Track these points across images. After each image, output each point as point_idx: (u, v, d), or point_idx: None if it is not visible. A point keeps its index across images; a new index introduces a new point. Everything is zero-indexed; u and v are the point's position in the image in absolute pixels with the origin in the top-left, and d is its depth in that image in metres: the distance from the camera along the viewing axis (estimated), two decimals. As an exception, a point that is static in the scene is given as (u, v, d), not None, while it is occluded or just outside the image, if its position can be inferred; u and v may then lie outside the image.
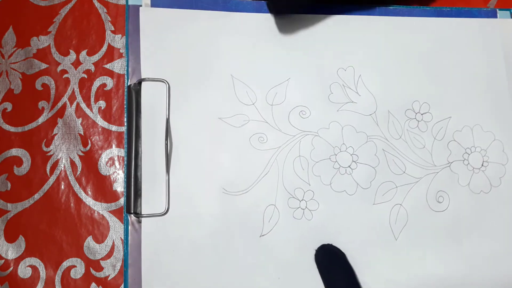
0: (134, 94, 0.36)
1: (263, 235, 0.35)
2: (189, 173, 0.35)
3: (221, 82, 0.37)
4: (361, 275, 0.36)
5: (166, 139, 0.35)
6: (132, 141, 0.35)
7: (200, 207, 0.35)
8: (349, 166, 0.37)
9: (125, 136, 0.36)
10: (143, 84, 0.36)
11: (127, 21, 0.37)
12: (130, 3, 0.38)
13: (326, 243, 0.36)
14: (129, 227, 0.35)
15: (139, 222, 0.35)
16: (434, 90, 0.40)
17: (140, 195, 0.35)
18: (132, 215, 0.35)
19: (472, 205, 0.38)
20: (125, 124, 0.36)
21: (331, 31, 0.39)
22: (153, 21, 0.37)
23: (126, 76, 0.37)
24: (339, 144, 0.38)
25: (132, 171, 0.35)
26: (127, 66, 0.37)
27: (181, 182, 0.35)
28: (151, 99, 0.36)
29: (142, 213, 0.34)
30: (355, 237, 0.36)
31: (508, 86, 0.41)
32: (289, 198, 0.36)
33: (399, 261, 0.36)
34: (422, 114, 0.39)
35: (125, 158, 0.36)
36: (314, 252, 0.35)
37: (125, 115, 0.36)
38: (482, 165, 0.39)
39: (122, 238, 0.37)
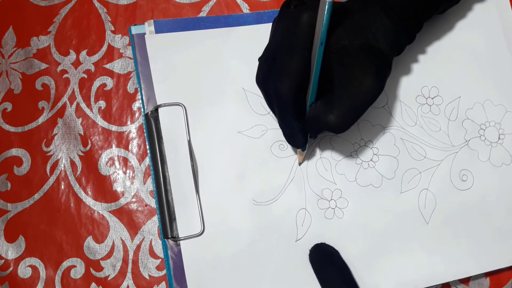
0: (152, 121, 0.37)
1: (298, 239, 0.36)
2: (218, 190, 0.36)
3: (234, 96, 0.38)
4: (397, 263, 0.36)
5: (191, 160, 0.36)
6: (158, 168, 0.36)
7: (234, 222, 0.36)
8: (371, 160, 0.38)
9: (150, 164, 0.36)
10: (160, 110, 0.37)
11: (134, 50, 0.38)
12: (133, 32, 0.38)
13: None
14: (169, 252, 0.35)
15: (178, 245, 0.35)
16: (440, 73, 0.40)
17: (174, 219, 0.35)
18: (170, 240, 0.35)
19: (496, 178, 0.39)
20: (148, 152, 0.37)
21: None
22: (160, 47, 0.38)
23: (142, 105, 0.37)
24: (358, 140, 0.38)
25: (163, 197, 0.36)
26: (141, 94, 0.37)
27: (212, 200, 0.36)
28: (170, 124, 0.37)
29: (179, 236, 0.35)
30: (388, 228, 0.37)
31: (511, 57, 0.41)
32: (318, 199, 0.37)
33: (433, 244, 0.37)
34: (432, 98, 0.40)
35: (154, 185, 0.36)
36: (349, 249, 0.36)
37: (147, 143, 0.37)
38: (499, 138, 0.40)
39: (122, 238, 0.37)
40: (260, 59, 0.33)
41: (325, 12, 0.27)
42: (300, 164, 0.37)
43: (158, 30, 0.38)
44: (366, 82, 0.30)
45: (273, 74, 0.30)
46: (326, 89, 0.31)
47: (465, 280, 0.38)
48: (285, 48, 0.30)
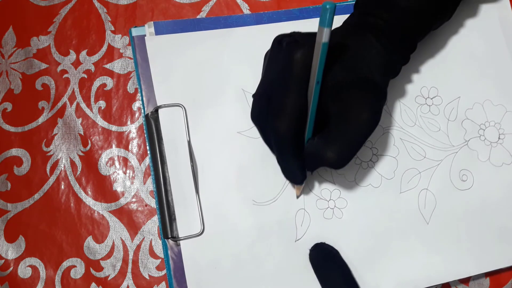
0: (153, 122, 0.37)
1: (298, 240, 0.36)
2: (218, 190, 0.36)
3: (233, 97, 0.38)
4: (397, 263, 0.36)
5: (191, 161, 0.36)
6: (158, 168, 0.36)
7: (233, 222, 0.36)
8: (370, 160, 0.38)
9: (150, 165, 0.36)
10: (160, 111, 0.37)
11: (134, 52, 0.38)
12: (134, 34, 0.38)
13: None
14: (169, 251, 0.35)
15: (178, 245, 0.35)
16: (439, 74, 0.40)
17: (174, 219, 0.35)
18: (170, 240, 0.35)
19: (496, 178, 0.39)
20: (149, 153, 0.37)
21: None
22: (160, 49, 0.38)
23: (142, 106, 0.37)
24: None
25: (163, 197, 0.36)
26: (141, 96, 0.37)
27: (211, 200, 0.36)
28: (170, 125, 0.37)
29: (179, 236, 0.35)
30: (388, 228, 0.37)
31: (510, 57, 0.41)
32: (317, 199, 0.37)
33: (433, 244, 0.37)
34: (431, 99, 0.40)
35: (154, 186, 0.36)
36: (349, 249, 0.36)
37: (147, 144, 0.37)
38: (499, 138, 0.40)
39: (122, 238, 0.37)
40: (254, 96, 0.33)
41: (321, 53, 0.28)
42: (298, 197, 0.36)
43: (158, 32, 0.38)
44: (362, 118, 0.30)
45: (270, 113, 0.31)
46: (322, 125, 0.32)
47: (465, 280, 0.38)
48: (280, 87, 0.30)
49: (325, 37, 0.27)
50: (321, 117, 0.31)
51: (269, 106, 0.31)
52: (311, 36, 0.28)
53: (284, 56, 0.30)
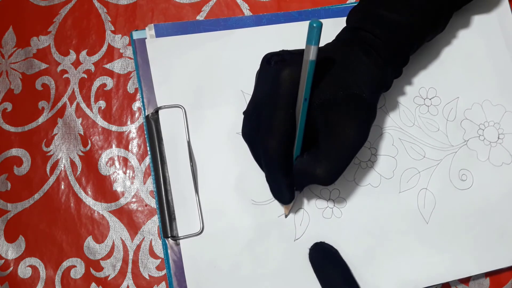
0: (153, 123, 0.37)
1: (297, 239, 0.36)
2: (217, 190, 0.36)
3: (232, 98, 0.38)
4: (396, 263, 0.36)
5: (191, 161, 0.36)
6: (158, 168, 0.36)
7: (233, 221, 0.36)
8: (369, 160, 0.38)
9: (151, 165, 0.37)
10: (160, 112, 0.37)
11: (135, 54, 0.38)
12: (134, 37, 0.38)
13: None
14: (169, 251, 0.35)
15: (177, 244, 0.35)
16: (438, 74, 0.40)
17: (174, 219, 0.36)
18: (169, 239, 0.35)
19: (495, 178, 0.39)
20: (149, 153, 0.37)
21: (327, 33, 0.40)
22: (160, 51, 0.38)
23: (142, 107, 0.37)
24: None
25: (163, 197, 0.36)
26: (142, 97, 0.37)
27: (211, 200, 0.36)
28: (170, 125, 0.37)
29: (179, 235, 0.35)
30: (387, 227, 0.37)
31: (510, 57, 0.41)
32: (316, 199, 0.37)
33: (433, 243, 0.37)
34: (430, 99, 0.40)
35: (154, 186, 0.36)
36: (348, 248, 0.36)
37: (148, 145, 0.37)
38: (498, 138, 0.40)
39: (122, 238, 0.37)
40: (244, 113, 0.33)
41: (308, 71, 0.28)
42: (286, 216, 0.36)
43: (158, 34, 0.38)
44: (350, 134, 0.30)
45: (259, 131, 0.31)
46: (311, 142, 0.32)
47: (465, 280, 0.38)
48: (269, 105, 0.30)
49: (312, 55, 0.27)
50: (310, 134, 0.31)
51: (258, 124, 0.31)
52: (299, 55, 0.29)
53: (272, 75, 0.30)
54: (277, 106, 0.30)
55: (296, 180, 0.33)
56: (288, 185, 0.33)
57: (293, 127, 0.31)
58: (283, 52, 0.32)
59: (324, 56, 0.31)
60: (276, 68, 0.30)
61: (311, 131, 0.31)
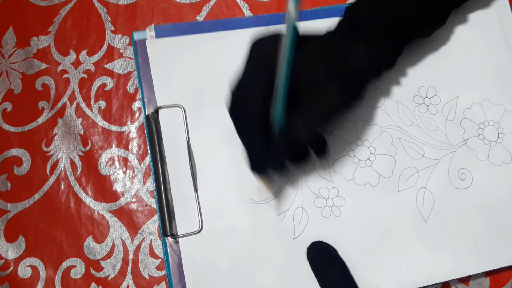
0: (153, 122, 0.37)
1: (296, 238, 0.36)
2: (216, 188, 0.36)
3: None
4: (395, 262, 0.36)
5: (190, 160, 0.36)
6: (158, 167, 0.37)
7: (232, 220, 0.36)
8: (368, 159, 0.38)
9: (151, 164, 0.37)
10: (160, 112, 0.37)
11: (136, 55, 0.38)
12: (135, 38, 0.38)
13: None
14: (168, 249, 0.35)
15: (177, 242, 0.35)
16: (437, 73, 0.40)
17: (174, 217, 0.36)
18: (169, 237, 0.35)
19: (495, 177, 0.39)
20: (149, 153, 0.37)
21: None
22: (160, 51, 0.38)
23: (142, 107, 0.38)
24: (355, 139, 0.38)
25: (163, 196, 0.36)
26: (142, 97, 0.38)
27: (210, 199, 0.36)
28: (170, 125, 0.37)
29: (178, 233, 0.35)
30: (386, 226, 0.37)
31: (510, 56, 0.41)
32: (315, 198, 0.37)
33: (432, 243, 0.37)
34: (429, 98, 0.40)
35: (154, 185, 0.36)
36: (347, 248, 0.36)
37: (148, 145, 0.37)
38: (498, 137, 0.40)
39: (122, 238, 0.37)
40: (231, 91, 0.34)
41: (291, 27, 0.28)
42: (273, 195, 0.36)
43: (158, 35, 0.39)
44: (333, 92, 0.32)
45: (242, 101, 0.32)
46: (292, 106, 0.32)
47: (465, 280, 0.38)
48: (249, 76, 0.32)
49: (292, 10, 0.27)
50: (291, 99, 0.31)
51: (242, 96, 0.32)
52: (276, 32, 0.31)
53: (256, 46, 0.32)
54: (257, 73, 0.31)
55: (277, 146, 0.32)
56: (265, 149, 0.32)
57: (272, 90, 0.31)
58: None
59: (317, 38, 0.32)
60: (252, 42, 0.32)
61: (293, 97, 0.31)
